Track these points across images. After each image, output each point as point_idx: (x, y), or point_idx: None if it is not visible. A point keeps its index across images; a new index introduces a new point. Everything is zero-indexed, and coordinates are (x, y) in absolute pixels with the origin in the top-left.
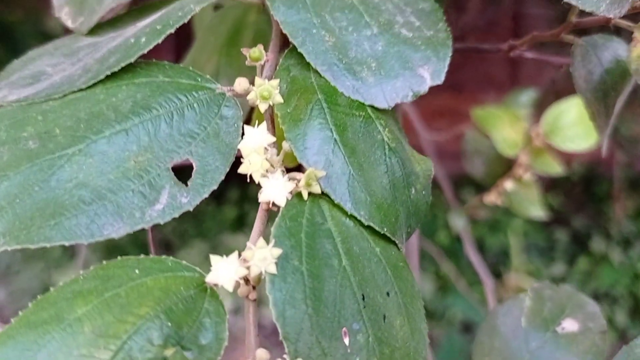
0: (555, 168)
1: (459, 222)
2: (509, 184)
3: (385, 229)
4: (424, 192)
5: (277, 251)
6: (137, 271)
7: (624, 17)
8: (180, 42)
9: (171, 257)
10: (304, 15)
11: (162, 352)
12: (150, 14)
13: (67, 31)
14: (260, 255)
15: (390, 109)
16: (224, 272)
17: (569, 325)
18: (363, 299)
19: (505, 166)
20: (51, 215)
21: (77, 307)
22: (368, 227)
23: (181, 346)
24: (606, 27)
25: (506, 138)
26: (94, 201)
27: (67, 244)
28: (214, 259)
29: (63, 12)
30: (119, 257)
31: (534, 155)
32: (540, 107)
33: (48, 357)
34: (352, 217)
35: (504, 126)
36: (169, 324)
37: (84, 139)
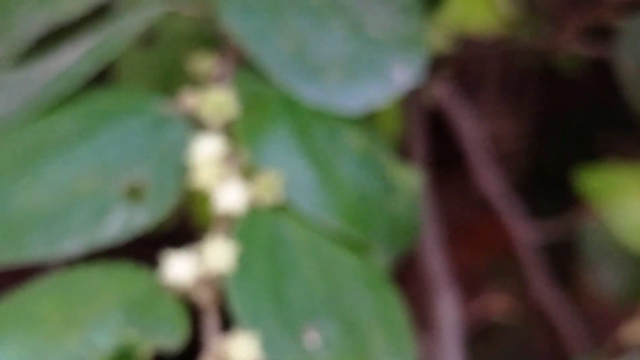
0: None
1: None
2: None
3: (355, 236)
4: (407, 206)
5: (235, 247)
6: (96, 274)
7: None
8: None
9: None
10: (258, 24)
11: (126, 335)
12: (85, 35)
13: None
14: (218, 250)
15: (359, 115)
16: (182, 267)
17: None
18: (332, 302)
19: None
20: (10, 239)
21: (42, 303)
22: (337, 236)
23: (144, 335)
24: None
25: None
26: (49, 224)
27: (29, 261)
28: (171, 255)
29: None
30: None
31: None
32: None
33: (18, 344)
34: (318, 224)
35: (634, 201)
36: (132, 310)
37: (33, 167)
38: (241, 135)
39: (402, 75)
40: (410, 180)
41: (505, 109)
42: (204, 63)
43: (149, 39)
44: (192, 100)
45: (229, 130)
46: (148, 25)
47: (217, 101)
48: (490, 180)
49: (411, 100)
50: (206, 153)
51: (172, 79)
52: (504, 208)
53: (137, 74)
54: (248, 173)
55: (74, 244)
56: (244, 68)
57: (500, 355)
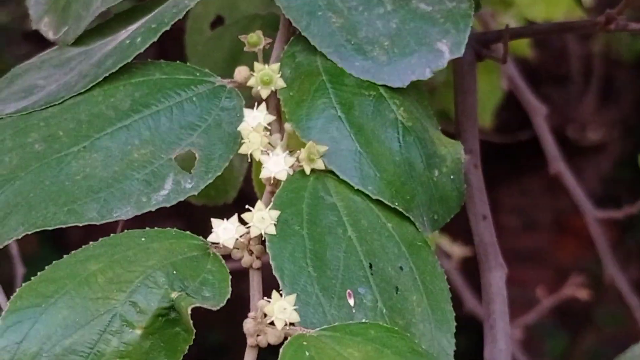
0: None
1: None
2: None
3: (397, 204)
4: (452, 177)
5: (276, 213)
6: (143, 239)
7: None
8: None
9: (175, 228)
10: None
11: (169, 294)
12: (141, 16)
13: None
14: (259, 216)
15: (405, 87)
16: (224, 232)
17: None
18: (370, 267)
19: None
20: (64, 204)
21: (89, 266)
22: (378, 203)
23: (186, 294)
24: None
25: None
26: (101, 189)
27: (80, 224)
28: (215, 221)
29: (42, 24)
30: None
31: None
32: None
33: (66, 304)
34: (359, 192)
35: None
36: (175, 272)
37: (87, 137)
38: (286, 106)
39: (449, 48)
40: (455, 152)
41: (595, 98)
42: (255, 38)
43: (217, 20)
44: (244, 73)
45: (277, 101)
46: (200, 1)
47: (266, 73)
48: (563, 168)
49: (466, 74)
50: (254, 122)
51: (237, 58)
52: (581, 199)
53: (205, 55)
54: (293, 141)
55: (124, 210)
56: (294, 42)
57: (603, 338)
